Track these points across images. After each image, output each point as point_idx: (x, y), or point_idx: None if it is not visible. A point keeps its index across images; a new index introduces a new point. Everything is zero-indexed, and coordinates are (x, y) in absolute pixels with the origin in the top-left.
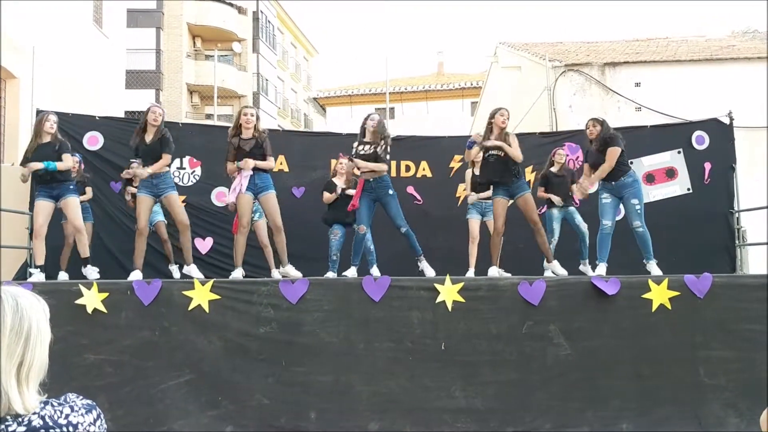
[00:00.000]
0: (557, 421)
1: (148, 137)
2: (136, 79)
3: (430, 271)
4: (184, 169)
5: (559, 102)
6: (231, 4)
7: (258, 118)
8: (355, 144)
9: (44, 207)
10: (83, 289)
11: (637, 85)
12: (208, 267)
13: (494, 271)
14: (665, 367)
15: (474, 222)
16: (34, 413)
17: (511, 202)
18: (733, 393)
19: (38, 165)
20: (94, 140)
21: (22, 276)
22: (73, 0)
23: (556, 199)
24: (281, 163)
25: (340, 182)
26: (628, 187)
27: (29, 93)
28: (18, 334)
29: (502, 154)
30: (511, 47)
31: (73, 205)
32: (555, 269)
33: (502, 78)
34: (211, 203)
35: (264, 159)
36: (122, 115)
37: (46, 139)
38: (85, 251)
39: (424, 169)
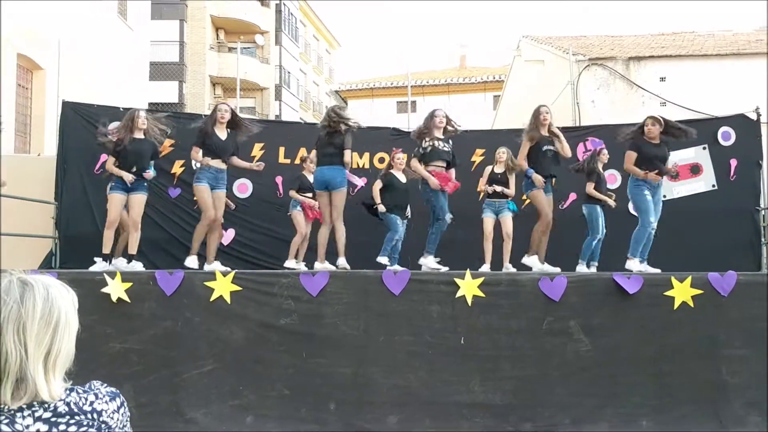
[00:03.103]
0: (576, 418)
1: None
2: (159, 71)
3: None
4: None
5: (583, 96)
6: None
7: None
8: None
9: (118, 199)
10: (107, 278)
11: (662, 79)
12: (230, 258)
13: (535, 263)
14: (686, 364)
15: (488, 220)
16: (60, 399)
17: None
18: (755, 392)
19: (151, 173)
20: None
21: (47, 266)
22: None
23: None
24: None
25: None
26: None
27: (55, 84)
28: (47, 323)
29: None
30: (534, 41)
31: (138, 201)
32: (534, 263)
33: (525, 72)
34: (233, 194)
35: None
36: (146, 107)
37: (139, 135)
38: (133, 248)
39: None
